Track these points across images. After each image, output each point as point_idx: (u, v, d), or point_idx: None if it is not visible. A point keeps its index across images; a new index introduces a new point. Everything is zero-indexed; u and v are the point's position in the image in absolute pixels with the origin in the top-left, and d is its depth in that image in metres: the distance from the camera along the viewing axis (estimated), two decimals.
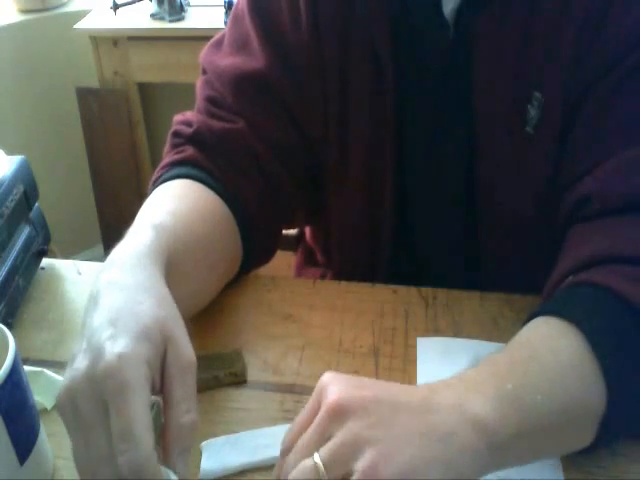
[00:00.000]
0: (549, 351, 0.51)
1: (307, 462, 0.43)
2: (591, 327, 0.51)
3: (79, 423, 0.43)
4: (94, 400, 0.43)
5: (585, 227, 0.62)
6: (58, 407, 0.44)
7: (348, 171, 0.76)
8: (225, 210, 0.69)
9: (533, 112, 0.66)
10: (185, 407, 0.45)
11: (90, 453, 0.42)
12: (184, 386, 0.45)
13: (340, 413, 0.44)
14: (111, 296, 0.48)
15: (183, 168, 0.70)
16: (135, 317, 0.46)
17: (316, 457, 0.43)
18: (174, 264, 0.55)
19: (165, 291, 0.51)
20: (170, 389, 0.45)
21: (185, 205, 0.64)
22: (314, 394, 0.47)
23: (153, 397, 0.45)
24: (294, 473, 0.43)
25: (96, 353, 0.44)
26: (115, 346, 0.43)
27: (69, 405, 0.43)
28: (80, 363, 0.44)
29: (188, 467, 0.46)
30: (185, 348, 0.47)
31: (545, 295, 0.62)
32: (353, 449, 0.42)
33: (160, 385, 0.46)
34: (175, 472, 0.44)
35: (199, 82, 0.78)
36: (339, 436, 0.43)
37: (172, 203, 0.63)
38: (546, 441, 0.49)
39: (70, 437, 0.44)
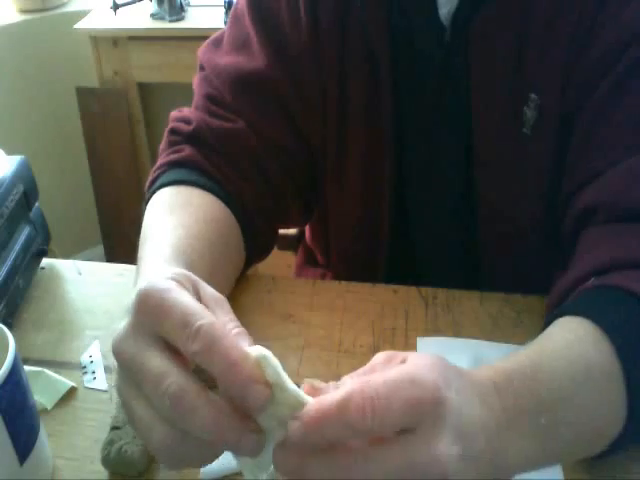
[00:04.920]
0: (580, 359, 0.49)
1: None
2: (623, 339, 0.49)
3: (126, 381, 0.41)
4: (143, 339, 0.41)
5: (597, 231, 0.61)
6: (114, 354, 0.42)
7: (347, 171, 0.76)
8: (226, 213, 0.69)
9: (530, 113, 0.66)
10: (233, 325, 0.42)
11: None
12: (226, 314, 0.43)
13: None
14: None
15: (182, 171, 0.70)
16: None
17: None
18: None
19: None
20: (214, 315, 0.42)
21: (189, 215, 0.64)
22: (409, 390, 0.38)
23: None
24: None
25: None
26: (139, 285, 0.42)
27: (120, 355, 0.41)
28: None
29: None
30: (214, 290, 0.45)
31: (555, 295, 0.60)
32: None
33: None
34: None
35: (196, 78, 0.77)
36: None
37: (176, 215, 0.63)
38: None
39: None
